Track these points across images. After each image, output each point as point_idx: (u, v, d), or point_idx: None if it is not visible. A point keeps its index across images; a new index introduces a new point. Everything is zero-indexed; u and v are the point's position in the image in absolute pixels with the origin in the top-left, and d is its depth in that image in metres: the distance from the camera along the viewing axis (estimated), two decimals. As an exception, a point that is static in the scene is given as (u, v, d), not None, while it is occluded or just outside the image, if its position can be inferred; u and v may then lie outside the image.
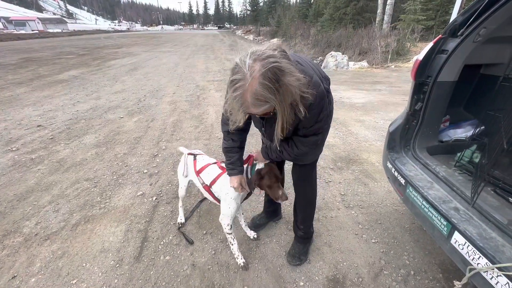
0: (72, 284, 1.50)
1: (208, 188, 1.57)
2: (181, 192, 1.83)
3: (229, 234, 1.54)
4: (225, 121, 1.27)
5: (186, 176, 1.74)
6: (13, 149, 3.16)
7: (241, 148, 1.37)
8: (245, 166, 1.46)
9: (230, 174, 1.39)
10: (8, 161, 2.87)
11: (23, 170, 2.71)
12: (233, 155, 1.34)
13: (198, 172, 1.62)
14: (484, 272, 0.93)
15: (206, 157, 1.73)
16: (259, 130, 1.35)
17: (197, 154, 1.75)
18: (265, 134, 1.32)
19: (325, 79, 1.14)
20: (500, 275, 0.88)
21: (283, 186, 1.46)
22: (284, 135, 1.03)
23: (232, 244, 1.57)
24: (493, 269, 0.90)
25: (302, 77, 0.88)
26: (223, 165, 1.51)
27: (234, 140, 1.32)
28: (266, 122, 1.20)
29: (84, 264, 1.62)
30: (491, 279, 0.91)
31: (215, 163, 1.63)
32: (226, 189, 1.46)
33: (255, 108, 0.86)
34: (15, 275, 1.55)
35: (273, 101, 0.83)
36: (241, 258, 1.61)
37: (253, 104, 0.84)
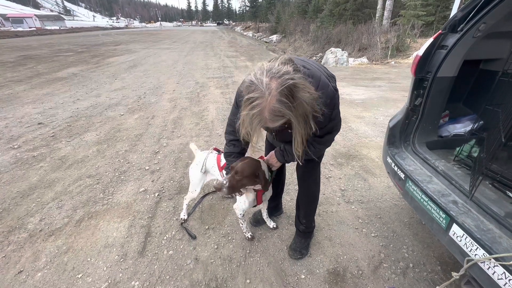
0: (78, 278, 1.53)
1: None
2: (195, 194, 1.82)
3: (240, 218, 1.71)
4: (230, 132, 1.33)
5: (205, 172, 1.75)
6: (15, 146, 3.17)
7: (242, 154, 1.41)
8: None
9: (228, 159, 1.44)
10: (11, 159, 2.89)
11: (25, 167, 2.73)
12: (232, 160, 1.39)
13: (222, 168, 1.64)
14: (481, 262, 0.96)
15: None
16: (269, 134, 1.37)
17: (221, 151, 1.73)
18: (276, 138, 1.37)
19: (331, 77, 1.16)
20: (497, 265, 0.90)
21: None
22: (302, 150, 1.07)
23: (242, 224, 1.76)
24: (490, 259, 0.92)
25: (315, 92, 0.92)
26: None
27: (236, 146, 1.37)
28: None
29: (89, 259, 1.65)
30: (488, 269, 0.94)
31: None
32: None
33: (272, 123, 0.89)
34: (21, 269, 1.58)
35: (289, 115, 0.87)
36: (248, 233, 1.79)
37: (270, 120, 0.88)
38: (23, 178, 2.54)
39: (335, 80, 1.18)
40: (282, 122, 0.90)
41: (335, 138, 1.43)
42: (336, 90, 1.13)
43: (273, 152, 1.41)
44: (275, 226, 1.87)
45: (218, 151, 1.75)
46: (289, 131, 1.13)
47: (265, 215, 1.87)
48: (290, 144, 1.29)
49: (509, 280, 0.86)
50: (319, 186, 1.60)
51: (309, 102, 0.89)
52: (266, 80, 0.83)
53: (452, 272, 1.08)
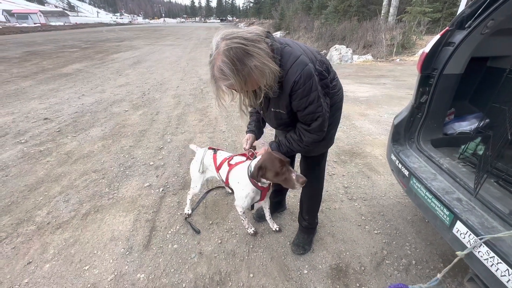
0: (85, 270, 1.56)
1: (227, 183, 1.62)
2: (196, 190, 1.83)
3: (241, 215, 1.70)
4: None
5: (203, 172, 1.75)
6: (22, 141, 3.22)
7: (259, 113, 1.47)
8: (247, 162, 1.50)
9: (246, 132, 1.53)
10: (18, 153, 2.93)
11: (32, 161, 2.78)
12: (251, 117, 1.51)
13: (218, 169, 1.63)
14: (484, 259, 0.96)
15: (224, 152, 1.71)
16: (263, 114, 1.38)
17: (217, 149, 1.74)
18: (264, 116, 1.35)
19: (321, 62, 1.12)
20: (501, 262, 0.90)
21: (292, 165, 1.53)
22: (245, 110, 1.15)
23: (243, 220, 1.76)
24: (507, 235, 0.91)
25: (273, 66, 0.95)
26: (236, 158, 1.59)
27: (252, 114, 1.49)
28: (261, 104, 1.17)
29: (95, 252, 1.68)
30: (491, 266, 0.94)
31: (229, 157, 1.63)
32: (237, 185, 1.52)
33: (221, 81, 0.95)
34: (30, 261, 1.62)
35: (232, 78, 0.91)
36: (251, 228, 1.79)
37: (219, 78, 0.94)
38: (31, 172, 2.58)
39: (327, 68, 1.15)
40: (229, 83, 0.94)
41: (336, 135, 1.42)
42: (322, 74, 1.10)
43: (266, 146, 1.39)
44: (277, 229, 1.84)
45: (214, 149, 1.74)
46: (272, 109, 1.18)
47: (267, 215, 1.83)
48: (283, 134, 1.30)
49: (513, 276, 0.86)
50: (322, 183, 1.60)
51: (262, 73, 0.93)
52: (218, 40, 0.91)
53: (456, 252, 1.07)
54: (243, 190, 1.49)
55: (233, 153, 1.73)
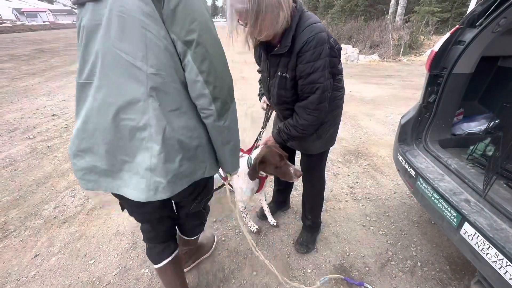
0: (90, 264, 1.58)
1: (225, 179, 1.62)
2: None
3: (243, 212, 1.73)
4: (258, 61, 1.45)
5: None
6: (30, 137, 3.28)
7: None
8: (246, 155, 1.51)
9: (259, 96, 1.63)
10: (26, 148, 2.99)
11: (40, 157, 2.82)
12: (262, 85, 1.57)
13: None
14: (493, 262, 0.94)
15: None
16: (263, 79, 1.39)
17: None
18: (270, 85, 1.31)
19: (335, 42, 1.14)
20: (509, 265, 0.89)
21: (293, 163, 1.54)
22: (249, 43, 1.18)
23: (245, 218, 1.78)
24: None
25: (287, 13, 0.99)
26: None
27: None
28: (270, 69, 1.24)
29: (100, 246, 1.70)
30: (500, 268, 0.92)
31: None
32: (236, 178, 1.54)
33: (236, 2, 0.97)
34: (37, 254, 1.65)
35: (247, 4, 0.92)
36: (254, 226, 1.80)
37: (235, 1, 0.96)
38: (38, 167, 2.63)
39: (339, 49, 1.16)
40: (242, 7, 0.95)
41: (341, 134, 1.42)
42: (334, 53, 1.11)
43: (269, 135, 1.46)
44: (275, 224, 1.84)
45: None
46: (279, 73, 1.17)
47: (265, 208, 1.84)
48: (282, 122, 1.32)
49: (522, 280, 0.85)
50: (323, 183, 1.59)
51: (275, 10, 0.95)
52: None
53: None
54: (243, 181, 1.51)
55: None
